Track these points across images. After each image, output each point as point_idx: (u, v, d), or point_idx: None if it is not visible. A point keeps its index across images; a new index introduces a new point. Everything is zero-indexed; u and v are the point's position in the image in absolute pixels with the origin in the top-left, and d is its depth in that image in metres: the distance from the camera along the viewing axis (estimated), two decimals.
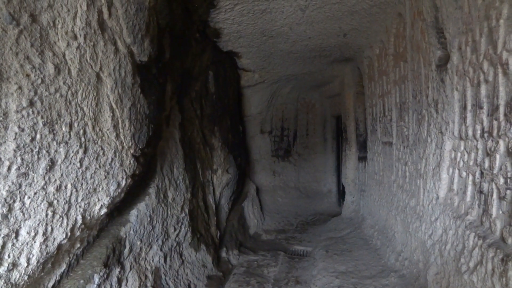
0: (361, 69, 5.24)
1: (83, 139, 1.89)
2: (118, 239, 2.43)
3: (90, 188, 1.98)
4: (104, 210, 2.14)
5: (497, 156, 1.80)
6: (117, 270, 2.36)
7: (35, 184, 1.60)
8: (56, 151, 1.71)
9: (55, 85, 1.67)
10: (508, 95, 1.73)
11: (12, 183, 1.49)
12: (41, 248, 1.68)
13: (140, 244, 2.70)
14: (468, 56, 2.10)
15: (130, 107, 2.28)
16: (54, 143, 1.69)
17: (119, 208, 2.54)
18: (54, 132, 1.69)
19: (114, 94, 2.10)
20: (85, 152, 1.91)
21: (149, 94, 2.62)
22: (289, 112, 8.05)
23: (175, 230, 3.23)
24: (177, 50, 3.39)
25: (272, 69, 5.90)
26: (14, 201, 1.51)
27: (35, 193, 1.61)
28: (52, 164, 1.69)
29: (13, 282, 1.56)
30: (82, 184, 1.91)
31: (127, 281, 2.46)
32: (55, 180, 1.72)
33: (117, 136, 2.19)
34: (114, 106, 2.12)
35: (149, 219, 2.82)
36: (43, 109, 1.61)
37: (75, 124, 1.83)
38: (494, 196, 1.83)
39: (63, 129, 1.74)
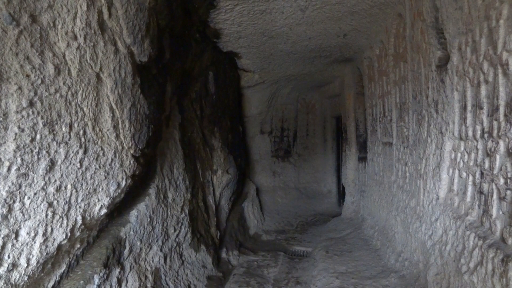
0: (361, 69, 5.24)
1: (83, 139, 1.89)
2: (118, 240, 2.43)
3: (90, 188, 1.98)
4: (104, 211, 2.13)
5: (497, 157, 1.80)
6: (117, 271, 2.36)
7: (35, 185, 1.60)
8: (56, 151, 1.71)
9: (55, 86, 1.67)
10: (508, 95, 1.73)
11: (12, 183, 1.49)
12: (41, 248, 1.68)
13: (140, 244, 2.70)
14: (468, 57, 2.10)
15: (130, 108, 2.28)
16: (54, 143, 1.69)
17: (119, 209, 2.54)
18: (54, 132, 1.69)
19: (114, 95, 2.10)
20: (85, 152, 1.91)
21: (149, 95, 2.62)
22: (289, 113, 8.05)
23: (175, 230, 3.23)
24: (177, 50, 3.39)
25: (272, 70, 5.90)
26: (14, 202, 1.51)
27: (35, 194, 1.61)
28: (52, 164, 1.69)
29: (13, 283, 1.56)
30: (82, 185, 1.91)
31: (127, 282, 2.46)
32: (55, 180, 1.72)
33: (117, 136, 2.19)
34: (114, 107, 2.12)
35: (149, 219, 2.82)
36: (43, 110, 1.61)
37: (75, 125, 1.82)
38: (494, 196, 1.83)
39: (63, 129, 1.74)
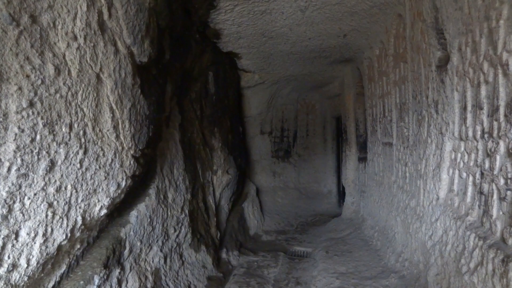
0: (361, 70, 5.24)
1: (83, 140, 1.89)
2: (118, 240, 2.43)
3: (90, 189, 1.98)
4: (104, 211, 2.13)
5: (497, 157, 1.80)
6: (117, 271, 2.36)
7: (35, 185, 1.60)
8: (56, 152, 1.71)
9: (55, 86, 1.67)
10: (508, 96, 1.73)
11: (12, 184, 1.49)
12: (41, 249, 1.68)
13: (140, 245, 2.70)
14: (468, 57, 2.10)
15: (130, 108, 2.28)
16: (54, 144, 1.69)
17: (119, 209, 2.54)
18: (54, 133, 1.69)
19: (114, 95, 2.10)
20: (85, 153, 1.91)
21: (149, 95, 2.62)
22: (289, 113, 8.06)
23: (175, 231, 3.23)
24: (177, 51, 3.40)
25: (272, 70, 5.91)
26: (14, 202, 1.51)
27: (35, 194, 1.61)
28: (52, 165, 1.69)
29: (13, 283, 1.56)
30: (82, 185, 1.91)
31: (127, 282, 2.46)
32: (55, 181, 1.72)
33: (117, 137, 2.19)
34: (114, 107, 2.12)
35: (149, 220, 2.82)
36: (43, 110, 1.61)
37: (75, 125, 1.82)
38: (495, 197, 1.83)
39: (63, 130, 1.74)
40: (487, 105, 1.93)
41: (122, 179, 2.26)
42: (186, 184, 3.57)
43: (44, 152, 1.63)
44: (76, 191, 1.87)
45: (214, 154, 4.65)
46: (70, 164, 1.81)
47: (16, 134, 1.48)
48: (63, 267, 1.95)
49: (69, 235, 1.86)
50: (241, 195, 6.15)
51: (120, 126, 2.20)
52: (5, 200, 1.46)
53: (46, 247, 1.72)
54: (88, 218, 2.01)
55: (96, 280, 2.11)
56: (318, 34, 4.28)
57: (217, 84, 4.79)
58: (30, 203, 1.59)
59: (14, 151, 1.48)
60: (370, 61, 4.71)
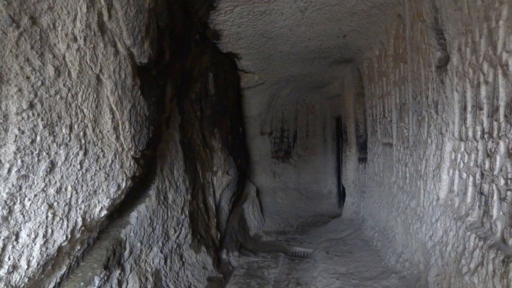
0: (361, 70, 5.24)
1: (83, 141, 1.89)
2: (118, 241, 2.43)
3: (90, 190, 1.98)
4: (104, 212, 2.13)
5: (498, 157, 1.80)
6: (117, 272, 2.36)
7: (35, 186, 1.60)
8: (56, 153, 1.71)
9: (55, 87, 1.67)
10: (508, 96, 1.73)
11: (12, 185, 1.49)
12: (41, 250, 1.68)
13: (141, 246, 2.70)
14: (468, 57, 2.10)
15: (130, 109, 2.28)
16: (54, 145, 1.69)
17: (119, 210, 2.54)
18: (54, 134, 1.69)
19: (114, 96, 2.10)
20: (85, 154, 1.91)
21: (149, 96, 2.62)
22: (289, 114, 8.06)
23: (175, 231, 3.22)
24: (177, 51, 3.40)
25: (272, 71, 5.91)
26: (14, 203, 1.51)
27: (35, 195, 1.61)
28: (52, 166, 1.69)
29: (13, 285, 1.56)
30: (82, 186, 1.91)
31: (127, 283, 2.46)
32: (55, 182, 1.72)
33: (117, 138, 2.19)
34: (114, 108, 2.12)
35: (149, 221, 2.82)
36: (43, 111, 1.61)
37: (75, 126, 1.83)
38: (495, 197, 1.83)
39: (63, 131, 1.74)
40: (487, 105, 1.93)
41: (122, 180, 2.26)
42: (186, 185, 3.56)
43: (44, 154, 1.63)
44: (76, 192, 1.87)
45: (214, 155, 4.65)
46: (70, 165, 1.81)
47: (16, 136, 1.48)
48: (63, 268, 1.95)
49: (69, 236, 1.85)
50: (241, 195, 6.14)
51: (120, 127, 2.20)
52: (5, 202, 1.46)
53: (47, 248, 1.72)
54: (88, 219, 2.01)
55: (97, 281, 2.11)
56: (318, 34, 4.29)
57: (217, 84, 4.79)
58: (30, 205, 1.59)
59: (15, 153, 1.48)
60: (370, 61, 4.71)
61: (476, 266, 1.92)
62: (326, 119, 8.17)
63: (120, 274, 2.38)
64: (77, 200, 1.88)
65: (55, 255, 1.80)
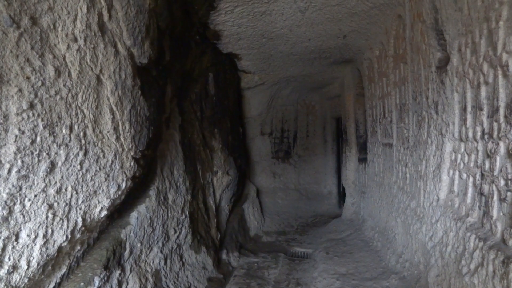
0: (361, 70, 5.24)
1: (83, 141, 1.89)
2: (118, 241, 2.43)
3: (90, 190, 1.98)
4: (104, 212, 2.13)
5: (498, 158, 1.80)
6: (117, 273, 2.36)
7: (35, 187, 1.60)
8: (56, 153, 1.71)
9: (55, 88, 1.68)
10: (508, 96, 1.73)
11: (13, 185, 1.49)
12: (41, 250, 1.68)
13: (141, 246, 2.70)
14: (468, 58, 2.10)
15: (130, 109, 2.28)
16: (55, 145, 1.69)
17: (119, 210, 2.54)
18: (55, 134, 1.69)
19: (114, 97, 2.10)
20: (85, 154, 1.91)
21: (149, 96, 2.62)
22: (289, 114, 8.06)
23: (175, 232, 3.22)
24: (177, 52, 3.40)
25: (272, 71, 5.91)
26: (14, 204, 1.51)
27: (35, 196, 1.61)
28: (52, 166, 1.69)
29: (14, 285, 1.56)
30: (82, 186, 1.91)
31: (127, 284, 2.46)
32: (56, 182, 1.72)
33: (117, 138, 2.19)
34: (114, 108, 2.12)
35: (149, 221, 2.82)
36: (44, 112, 1.61)
37: (76, 127, 1.83)
38: (495, 198, 1.83)
39: (63, 131, 1.74)
40: (487, 106, 1.93)
41: (123, 180, 2.27)
42: (186, 185, 3.57)
43: (44, 154, 1.63)
44: (77, 193, 1.87)
45: (214, 155, 4.65)
46: (71, 165, 1.81)
47: (16, 136, 1.48)
48: (64, 269, 1.95)
49: (69, 236, 1.85)
50: (241, 196, 6.14)
51: (120, 127, 2.20)
52: (5, 202, 1.46)
53: (47, 248, 1.72)
54: (89, 220, 2.01)
55: (97, 281, 2.11)
56: (318, 35, 4.29)
57: (217, 85, 4.79)
58: (30, 205, 1.59)
59: (15, 153, 1.48)
60: (370, 62, 4.71)
61: (476, 266, 1.92)
62: (326, 120, 8.17)
63: (120, 274, 2.38)
64: (77, 201, 1.88)
65: (55, 255, 1.80)
